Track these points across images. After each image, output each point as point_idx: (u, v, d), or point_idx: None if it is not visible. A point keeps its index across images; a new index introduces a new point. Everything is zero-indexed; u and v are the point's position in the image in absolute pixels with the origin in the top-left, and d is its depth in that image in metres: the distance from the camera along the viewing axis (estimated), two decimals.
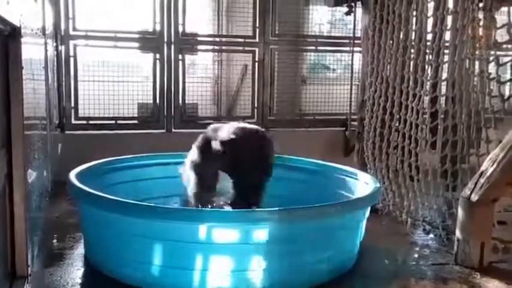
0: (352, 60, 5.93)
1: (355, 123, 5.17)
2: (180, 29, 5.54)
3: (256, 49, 5.87)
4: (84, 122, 5.39)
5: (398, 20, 4.21)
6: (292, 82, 6.18)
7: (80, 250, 3.29)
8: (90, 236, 3.19)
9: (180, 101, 5.63)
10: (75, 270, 3.00)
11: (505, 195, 3.21)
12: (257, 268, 2.68)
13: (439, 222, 3.72)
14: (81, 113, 5.37)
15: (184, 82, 5.64)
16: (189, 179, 3.51)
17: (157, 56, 5.50)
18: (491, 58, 3.28)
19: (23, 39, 2.50)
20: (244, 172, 3.32)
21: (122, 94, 5.45)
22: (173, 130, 5.60)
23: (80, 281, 2.87)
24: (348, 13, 5.68)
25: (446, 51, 3.80)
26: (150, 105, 5.58)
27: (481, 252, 3.14)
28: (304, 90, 6.24)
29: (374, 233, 3.49)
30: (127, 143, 5.10)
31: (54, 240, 3.50)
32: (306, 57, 6.48)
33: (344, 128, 5.98)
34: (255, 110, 5.96)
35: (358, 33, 5.52)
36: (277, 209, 2.79)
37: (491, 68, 3.26)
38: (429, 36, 3.89)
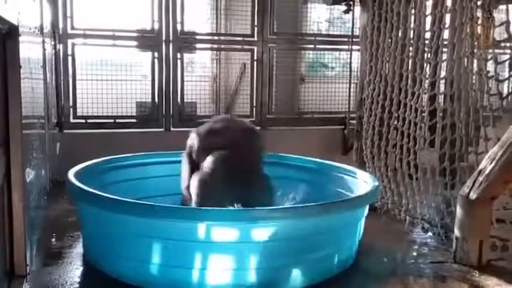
0: (350, 58, 5.95)
1: (354, 121, 5.17)
2: (179, 27, 5.54)
3: (255, 48, 5.86)
4: (83, 120, 5.39)
5: (396, 18, 4.21)
6: (290, 80, 6.18)
7: (78, 249, 3.29)
8: (88, 235, 3.19)
9: (179, 100, 5.63)
10: (73, 269, 2.99)
11: (503, 193, 3.22)
12: (256, 266, 2.68)
13: (438, 221, 3.72)
14: (79, 112, 5.36)
15: (182, 81, 5.63)
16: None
17: (156, 54, 5.49)
18: (489, 56, 3.28)
19: (20, 38, 2.50)
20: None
21: (121, 93, 5.44)
22: (172, 129, 5.59)
23: (78, 280, 2.87)
24: (346, 11, 5.70)
25: (444, 49, 3.80)
26: (149, 103, 5.58)
27: (480, 250, 3.14)
28: (302, 89, 6.24)
29: (373, 231, 3.49)
30: (125, 142, 5.10)
31: (53, 239, 3.50)
32: (305, 55, 6.48)
33: (343, 127, 5.99)
34: (254, 108, 5.95)
35: (357, 32, 5.54)
36: (274, 207, 2.79)
37: (490, 66, 3.26)
38: (428, 35, 3.89)
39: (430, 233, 3.79)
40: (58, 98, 5.20)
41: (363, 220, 3.24)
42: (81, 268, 3.03)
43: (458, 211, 3.23)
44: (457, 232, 3.24)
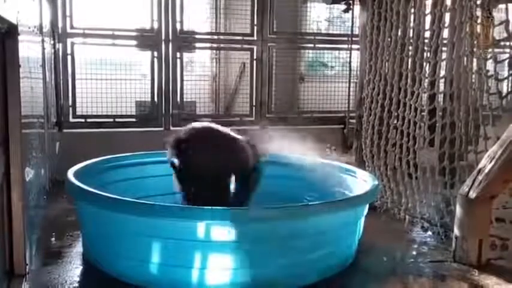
0: (350, 57, 5.95)
1: (354, 120, 5.17)
2: (178, 26, 5.54)
3: (254, 47, 5.87)
4: (82, 120, 5.39)
5: (396, 18, 4.21)
6: (290, 80, 6.18)
7: (78, 248, 3.29)
8: (88, 234, 3.18)
9: (178, 99, 5.63)
10: (73, 269, 2.99)
11: (503, 192, 3.22)
12: (256, 265, 2.68)
13: (437, 220, 3.72)
14: (79, 111, 5.36)
15: (182, 80, 5.64)
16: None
17: (155, 53, 5.49)
18: (489, 55, 3.28)
19: (20, 37, 2.49)
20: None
21: (120, 92, 5.45)
22: (171, 128, 5.59)
23: (78, 279, 2.86)
24: (346, 10, 5.70)
25: (444, 48, 3.80)
26: (148, 103, 5.58)
27: (479, 249, 3.14)
28: (302, 88, 6.24)
29: (372, 231, 3.49)
30: (125, 141, 5.09)
31: (53, 239, 3.50)
32: (304, 54, 6.48)
33: (342, 126, 5.99)
34: (253, 107, 5.96)
35: (356, 31, 5.54)
36: (274, 207, 2.78)
37: (489, 65, 3.26)
38: (427, 34, 3.89)
39: (429, 232, 3.79)
40: (57, 97, 5.20)
41: (363, 219, 3.24)
42: (81, 267, 3.03)
43: (458, 210, 3.23)
44: (456, 231, 3.24)
